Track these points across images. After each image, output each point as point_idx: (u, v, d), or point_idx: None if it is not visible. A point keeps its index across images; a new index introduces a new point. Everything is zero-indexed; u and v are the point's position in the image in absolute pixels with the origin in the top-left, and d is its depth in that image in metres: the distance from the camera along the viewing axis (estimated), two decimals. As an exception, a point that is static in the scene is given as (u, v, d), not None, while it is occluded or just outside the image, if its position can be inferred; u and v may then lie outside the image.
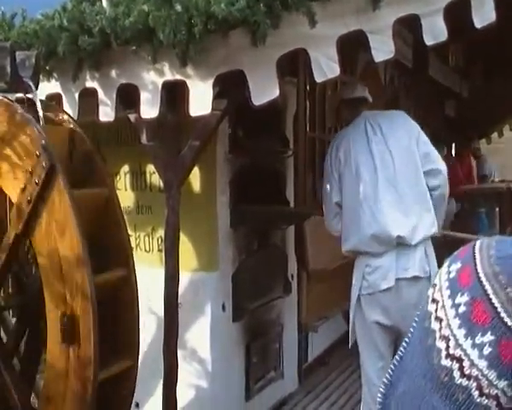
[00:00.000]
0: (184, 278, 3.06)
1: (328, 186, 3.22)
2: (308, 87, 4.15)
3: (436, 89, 7.85)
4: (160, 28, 2.41)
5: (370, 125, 3.19)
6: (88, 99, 2.75)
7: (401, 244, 3.05)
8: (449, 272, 0.91)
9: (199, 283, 3.26)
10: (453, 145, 9.69)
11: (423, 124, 8.64)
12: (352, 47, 2.86)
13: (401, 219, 3.05)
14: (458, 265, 0.90)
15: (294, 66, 3.78)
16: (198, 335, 3.29)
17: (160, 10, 2.44)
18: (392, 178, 3.08)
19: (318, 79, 2.58)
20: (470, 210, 5.30)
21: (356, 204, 3.11)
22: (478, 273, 0.86)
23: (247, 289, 3.51)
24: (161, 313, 2.87)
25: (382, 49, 2.75)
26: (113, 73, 2.66)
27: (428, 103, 8.11)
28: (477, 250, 0.90)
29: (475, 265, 0.87)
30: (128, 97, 2.70)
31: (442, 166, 3.20)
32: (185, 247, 3.09)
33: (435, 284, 0.95)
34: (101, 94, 2.68)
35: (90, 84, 2.71)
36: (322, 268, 4.16)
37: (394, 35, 2.81)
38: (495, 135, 9.81)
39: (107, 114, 2.68)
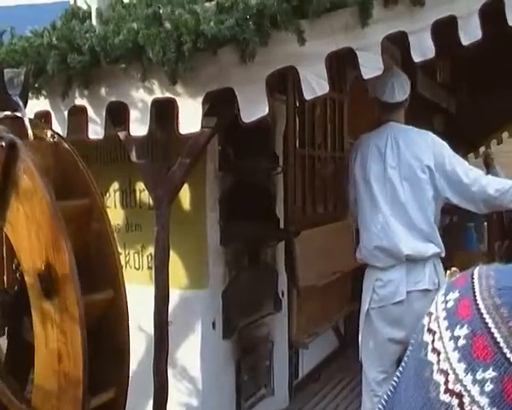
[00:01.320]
0: (174, 295, 3.04)
1: (348, 184, 3.35)
2: (297, 104, 4.16)
3: (425, 104, 7.91)
4: (149, 46, 2.42)
5: (391, 141, 3.20)
6: (77, 117, 2.74)
7: (410, 260, 3.12)
8: (446, 302, 0.88)
9: (189, 300, 3.24)
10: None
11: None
12: (341, 62, 2.88)
13: (410, 241, 3.12)
14: (456, 294, 0.87)
15: (284, 83, 3.80)
16: (188, 353, 3.26)
17: (150, 28, 2.45)
18: (403, 202, 3.13)
19: (308, 96, 2.60)
20: (459, 224, 5.32)
21: (367, 215, 3.21)
22: (478, 305, 0.83)
23: (238, 307, 3.50)
24: (151, 330, 2.85)
25: (371, 66, 2.77)
26: (103, 90, 2.66)
27: (417, 118, 8.15)
28: (476, 279, 0.87)
29: (475, 295, 0.85)
30: (118, 115, 2.70)
31: (471, 179, 3.11)
32: (175, 264, 3.08)
33: (431, 313, 0.91)
34: (90, 112, 2.68)
35: (79, 102, 2.71)
36: (313, 285, 4.16)
37: (383, 52, 2.85)
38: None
39: (96, 132, 2.68)
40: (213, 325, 3.34)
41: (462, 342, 0.82)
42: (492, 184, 3.11)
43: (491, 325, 0.81)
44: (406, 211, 3.14)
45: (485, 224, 5.03)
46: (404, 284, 3.11)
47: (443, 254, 3.23)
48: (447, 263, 4.94)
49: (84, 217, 2.42)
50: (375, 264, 3.17)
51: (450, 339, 0.83)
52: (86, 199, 2.43)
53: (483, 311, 0.83)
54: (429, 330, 0.89)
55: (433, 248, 3.16)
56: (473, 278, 0.89)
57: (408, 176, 3.15)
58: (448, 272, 1.86)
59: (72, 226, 2.25)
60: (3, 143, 2.23)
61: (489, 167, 8.82)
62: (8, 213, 2.27)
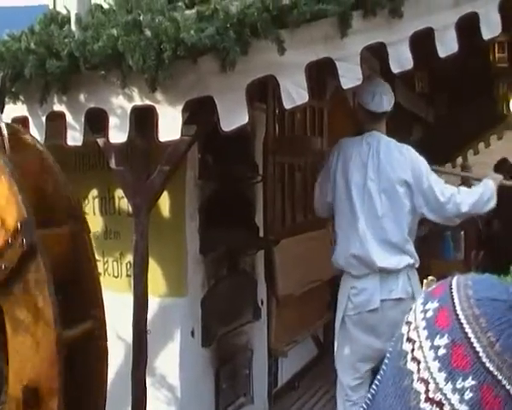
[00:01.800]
0: (153, 303, 3.02)
1: (324, 184, 3.35)
2: (277, 112, 4.18)
3: (404, 114, 8.00)
4: (129, 53, 2.41)
5: (373, 152, 3.25)
6: (55, 123, 2.72)
7: (384, 271, 3.20)
8: (425, 311, 0.89)
9: (168, 308, 3.22)
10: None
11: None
12: (322, 70, 2.89)
13: (383, 254, 3.19)
14: (435, 304, 0.89)
15: (264, 91, 3.81)
16: (167, 361, 3.24)
17: (130, 35, 2.43)
18: (376, 217, 3.20)
19: (287, 105, 2.61)
20: (436, 233, 5.37)
21: (346, 222, 3.26)
22: (457, 315, 0.85)
23: (217, 315, 3.49)
24: (130, 339, 2.83)
25: (350, 76, 2.80)
26: (82, 97, 2.64)
27: (396, 128, 8.24)
28: (454, 289, 0.89)
29: (454, 306, 0.86)
30: (97, 122, 2.68)
31: (446, 197, 3.21)
32: (154, 272, 3.06)
33: (410, 322, 0.90)
34: (69, 118, 2.65)
35: (57, 107, 2.68)
36: (292, 293, 4.17)
37: (362, 62, 2.88)
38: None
39: (75, 138, 2.66)
40: (192, 333, 3.32)
41: (442, 351, 0.83)
42: (466, 201, 3.21)
43: (470, 335, 0.83)
44: (382, 224, 3.20)
45: (462, 233, 5.08)
46: (377, 292, 3.18)
47: (417, 265, 3.29)
48: (424, 272, 4.98)
49: (69, 247, 2.37)
50: (351, 271, 3.23)
51: (431, 348, 0.84)
52: (68, 225, 2.38)
53: (463, 321, 0.84)
54: (409, 340, 0.89)
55: (407, 259, 3.23)
56: (451, 288, 0.90)
57: (386, 189, 3.21)
58: (425, 281, 1.88)
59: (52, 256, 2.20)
60: None
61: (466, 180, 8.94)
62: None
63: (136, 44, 2.39)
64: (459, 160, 9.79)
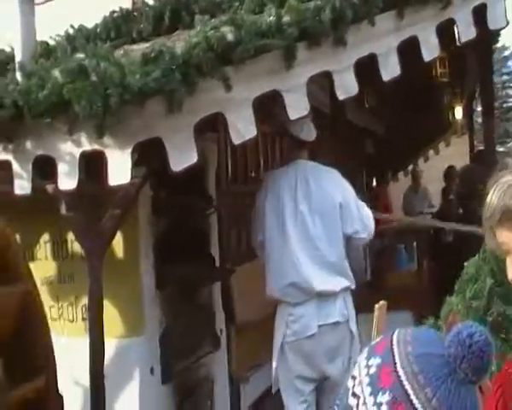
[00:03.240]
0: (110, 345, 2.98)
1: (254, 223, 3.44)
2: (229, 140, 4.19)
3: (355, 128, 8.15)
4: (75, 100, 2.37)
5: (300, 178, 3.35)
6: (2, 171, 2.66)
7: (322, 295, 3.28)
8: (368, 367, 0.94)
9: (125, 349, 3.18)
10: (374, 180, 10.07)
11: (345, 163, 8.90)
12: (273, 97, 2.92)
13: (321, 276, 3.28)
14: (378, 360, 0.93)
15: (215, 122, 3.82)
16: (127, 402, 3.18)
17: (75, 82, 2.40)
18: (309, 239, 3.28)
19: (236, 141, 2.65)
20: (390, 246, 5.49)
21: (279, 253, 3.31)
22: (398, 373, 0.90)
23: (176, 350, 3.46)
24: (87, 383, 2.79)
25: (297, 106, 2.86)
26: (29, 144, 2.58)
27: (349, 143, 8.40)
28: (395, 345, 0.94)
29: (395, 363, 0.91)
30: (45, 167, 2.63)
31: (370, 219, 3.42)
32: (110, 314, 3.02)
33: (354, 377, 0.95)
34: (15, 166, 2.60)
35: (3, 156, 2.62)
36: (251, 319, 4.17)
37: (308, 93, 2.93)
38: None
39: (22, 187, 2.60)
40: (151, 370, 3.28)
41: (384, 408, 0.88)
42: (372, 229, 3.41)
43: (410, 392, 0.88)
44: (317, 246, 3.28)
45: (415, 244, 5.22)
46: (315, 318, 3.26)
47: (353, 287, 3.41)
48: (380, 284, 5.10)
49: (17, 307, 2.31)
50: (287, 299, 3.30)
51: (374, 405, 0.89)
52: (19, 285, 2.32)
53: (402, 378, 0.89)
54: (354, 395, 0.93)
55: (344, 282, 3.34)
56: (392, 345, 0.95)
57: (319, 211, 3.30)
58: (376, 305, 1.92)
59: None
60: None
61: (416, 181, 9.19)
62: None
63: (82, 91, 2.36)
64: (410, 167, 10.05)
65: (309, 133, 3.49)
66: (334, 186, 3.36)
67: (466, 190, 6.07)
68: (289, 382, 3.37)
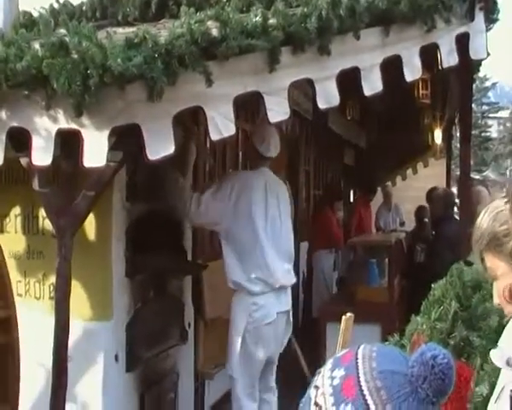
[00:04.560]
0: (76, 327, 2.98)
1: (219, 204, 3.56)
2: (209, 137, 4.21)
3: (336, 138, 8.23)
4: (54, 76, 2.37)
5: (270, 188, 3.71)
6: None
7: (281, 288, 3.71)
8: (332, 378, 0.95)
9: (91, 332, 3.17)
10: (352, 192, 10.14)
11: (323, 171, 8.95)
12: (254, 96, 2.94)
13: (285, 271, 3.75)
14: (342, 372, 0.95)
15: (194, 115, 3.84)
16: (89, 387, 3.18)
17: (55, 57, 2.39)
18: (279, 237, 3.71)
19: (214, 137, 2.66)
20: (362, 259, 5.52)
21: (250, 247, 3.58)
22: (361, 386, 0.92)
23: (142, 339, 3.46)
24: (50, 364, 2.78)
25: (278, 110, 2.86)
26: (3, 114, 2.56)
27: (328, 151, 8.48)
28: (360, 360, 0.96)
29: (358, 376, 0.93)
30: (20, 140, 2.62)
31: None
32: (78, 295, 3.02)
33: (317, 387, 0.97)
34: (-11, 135, 2.59)
35: (-23, 124, 2.61)
36: (220, 316, 4.19)
37: (290, 97, 2.95)
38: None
39: (-5, 155, 2.59)
40: (116, 357, 3.28)
41: None
42: None
43: (371, 406, 0.91)
44: (283, 244, 3.73)
45: (387, 260, 5.26)
46: (275, 306, 3.66)
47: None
48: (350, 296, 5.14)
49: None
50: (253, 290, 3.58)
51: None
52: None
53: (365, 392, 0.92)
54: (316, 404, 0.95)
55: (294, 277, 3.90)
56: (357, 359, 0.96)
57: (284, 214, 3.79)
58: (343, 317, 1.94)
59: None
60: None
61: (388, 198, 9.30)
62: None
63: (62, 67, 2.36)
64: (389, 184, 10.15)
65: (267, 150, 3.71)
66: (288, 197, 3.94)
67: (438, 213, 6.20)
68: (247, 366, 3.63)
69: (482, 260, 1.28)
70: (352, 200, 9.89)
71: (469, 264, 2.61)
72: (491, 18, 3.74)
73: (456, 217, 6.49)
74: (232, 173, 3.79)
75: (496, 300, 1.29)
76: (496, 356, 1.16)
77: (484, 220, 1.26)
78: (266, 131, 3.71)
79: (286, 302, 3.78)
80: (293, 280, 3.86)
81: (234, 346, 3.64)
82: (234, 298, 3.68)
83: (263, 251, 3.58)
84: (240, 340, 3.60)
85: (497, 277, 1.26)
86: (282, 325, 3.76)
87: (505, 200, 1.23)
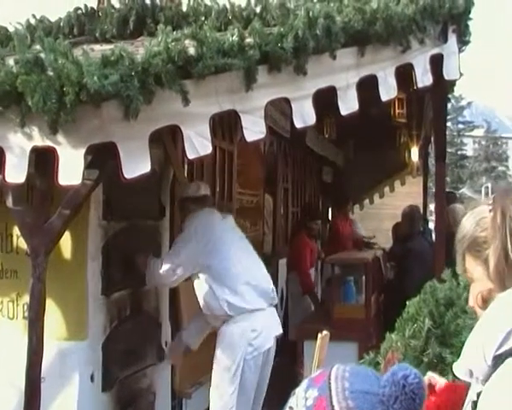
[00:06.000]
0: (51, 347, 2.93)
1: (191, 248, 3.52)
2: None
3: (314, 156, 8.29)
4: (28, 93, 2.35)
5: (222, 216, 3.73)
6: None
7: (272, 304, 3.60)
8: (306, 398, 0.97)
9: (66, 352, 3.13)
10: (330, 209, 10.20)
11: (301, 188, 9.01)
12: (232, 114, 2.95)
13: (265, 276, 3.69)
14: (315, 393, 0.97)
15: (171, 133, 3.85)
16: (64, 408, 3.13)
17: (30, 74, 2.37)
18: (251, 253, 3.73)
19: (190, 155, 2.66)
20: (340, 277, 5.53)
21: (231, 266, 3.53)
22: (333, 406, 0.94)
23: (118, 358, 3.43)
24: (22, 385, 2.73)
25: (254, 129, 2.88)
26: (-24, 131, 2.55)
27: (306, 169, 8.53)
28: (332, 381, 0.97)
29: (331, 397, 0.95)
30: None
31: None
32: (53, 315, 2.98)
33: (292, 408, 1.00)
34: (-39, 152, 2.55)
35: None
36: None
37: (266, 116, 2.97)
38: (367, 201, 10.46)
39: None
40: (92, 377, 3.24)
41: None
42: None
43: None
44: (259, 261, 3.73)
45: (364, 277, 5.29)
46: (274, 330, 3.57)
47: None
48: (328, 315, 5.15)
49: None
50: (246, 307, 3.45)
51: None
52: None
53: None
54: None
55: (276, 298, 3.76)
56: (330, 379, 0.98)
57: (245, 240, 3.78)
58: (319, 335, 1.94)
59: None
60: None
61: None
62: None
63: (37, 84, 2.35)
64: (366, 201, 10.22)
65: (206, 190, 3.76)
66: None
67: (405, 230, 6.27)
68: (242, 394, 3.45)
69: (463, 259, 1.30)
70: (330, 217, 9.92)
71: (442, 281, 2.64)
72: (463, 40, 3.82)
73: (428, 232, 6.59)
74: (188, 219, 3.66)
75: (470, 302, 1.31)
76: (458, 369, 1.16)
77: (468, 222, 1.28)
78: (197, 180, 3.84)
79: (278, 324, 3.72)
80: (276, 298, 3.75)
81: (231, 379, 3.45)
82: (224, 328, 3.55)
83: (246, 266, 3.58)
84: (240, 370, 3.42)
85: (474, 279, 1.28)
86: (272, 351, 3.62)
87: (490, 207, 1.25)
